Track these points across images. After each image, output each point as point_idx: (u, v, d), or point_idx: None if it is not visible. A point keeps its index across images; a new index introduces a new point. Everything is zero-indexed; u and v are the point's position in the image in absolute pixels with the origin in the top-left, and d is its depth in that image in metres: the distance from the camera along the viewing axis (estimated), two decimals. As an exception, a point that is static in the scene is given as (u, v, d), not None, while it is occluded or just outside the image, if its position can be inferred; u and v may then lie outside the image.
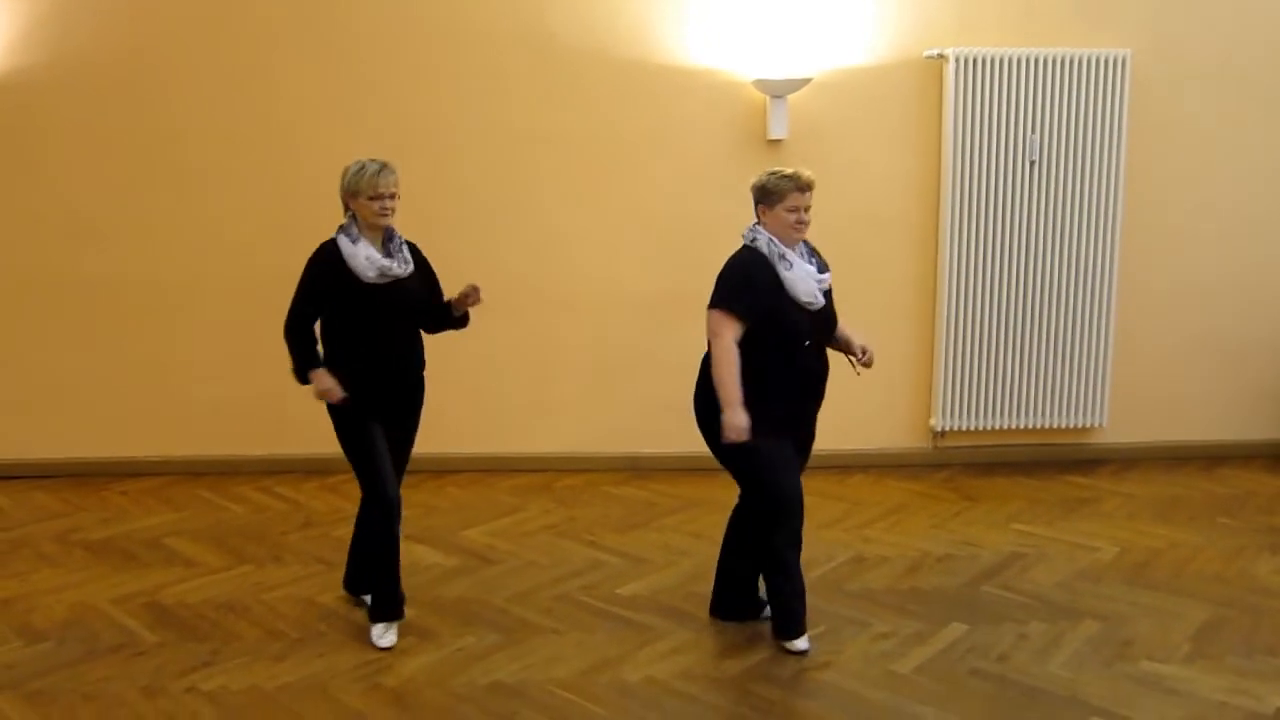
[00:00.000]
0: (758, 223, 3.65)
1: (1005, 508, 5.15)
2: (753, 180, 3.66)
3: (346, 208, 3.72)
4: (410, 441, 4.01)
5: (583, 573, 4.41)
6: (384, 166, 3.66)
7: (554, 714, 3.29)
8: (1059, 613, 3.97)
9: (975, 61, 5.34)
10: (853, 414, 5.80)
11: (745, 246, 3.65)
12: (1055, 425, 5.77)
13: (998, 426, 5.74)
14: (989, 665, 3.58)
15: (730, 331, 3.53)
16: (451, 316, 3.96)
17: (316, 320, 3.76)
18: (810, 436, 3.85)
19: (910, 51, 5.44)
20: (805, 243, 3.71)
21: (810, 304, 3.58)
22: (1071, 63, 5.37)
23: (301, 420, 5.70)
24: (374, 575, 3.85)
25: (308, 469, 5.71)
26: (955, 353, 5.64)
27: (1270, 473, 5.69)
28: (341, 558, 4.55)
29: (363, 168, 3.64)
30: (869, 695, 3.39)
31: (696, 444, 5.76)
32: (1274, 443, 5.96)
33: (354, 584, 4.09)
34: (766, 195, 3.61)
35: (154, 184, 5.48)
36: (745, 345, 3.55)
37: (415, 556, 4.57)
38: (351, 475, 5.59)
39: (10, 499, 5.34)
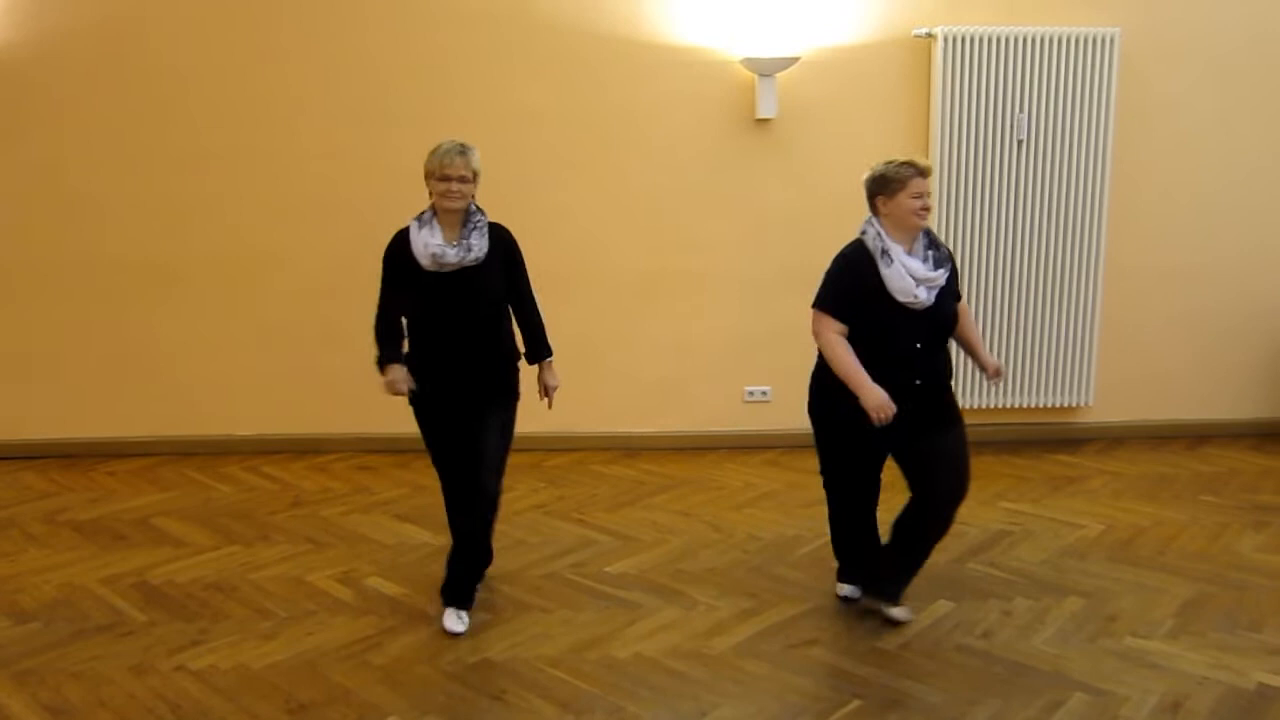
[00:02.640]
0: (873, 216, 3.55)
1: (992, 486, 5.18)
2: (866, 174, 3.55)
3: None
4: (502, 431, 3.84)
5: (572, 551, 4.43)
6: (457, 147, 3.55)
7: (542, 691, 3.30)
8: (1044, 589, 4.00)
9: (964, 40, 5.34)
10: (841, 393, 5.83)
11: (854, 241, 3.58)
12: (1042, 404, 5.79)
13: (985, 405, 5.76)
14: (974, 641, 3.61)
15: (829, 328, 3.52)
16: (528, 352, 3.91)
17: (398, 308, 3.69)
18: (939, 422, 3.62)
19: (899, 30, 5.43)
20: (928, 234, 3.57)
21: (910, 303, 3.44)
22: (1060, 41, 5.36)
23: (290, 400, 5.73)
24: (452, 560, 3.79)
25: (297, 449, 5.72)
26: (943, 332, 5.65)
27: (1254, 451, 5.73)
28: (330, 537, 4.57)
29: (437, 147, 3.55)
30: (856, 671, 3.42)
31: (685, 423, 5.83)
32: (1258, 421, 6.00)
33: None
34: (887, 184, 3.48)
35: (144, 163, 5.45)
36: (852, 340, 3.51)
37: (403, 535, 4.59)
38: (339, 457, 5.66)
39: (-3, 479, 5.34)
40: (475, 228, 3.63)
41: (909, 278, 3.43)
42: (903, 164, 3.49)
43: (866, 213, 3.59)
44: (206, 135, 5.44)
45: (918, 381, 3.52)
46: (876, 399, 3.42)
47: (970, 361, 5.62)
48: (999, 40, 5.35)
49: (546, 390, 3.90)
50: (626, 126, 5.51)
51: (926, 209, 3.49)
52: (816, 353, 3.65)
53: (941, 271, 3.50)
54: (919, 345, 3.50)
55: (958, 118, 5.42)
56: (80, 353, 5.63)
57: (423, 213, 3.64)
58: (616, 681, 3.37)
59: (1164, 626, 3.69)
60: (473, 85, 5.41)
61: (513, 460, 5.54)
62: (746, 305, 5.69)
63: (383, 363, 3.71)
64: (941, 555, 4.33)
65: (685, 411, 5.83)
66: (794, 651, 3.56)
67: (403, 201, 5.67)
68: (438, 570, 4.19)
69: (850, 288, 3.49)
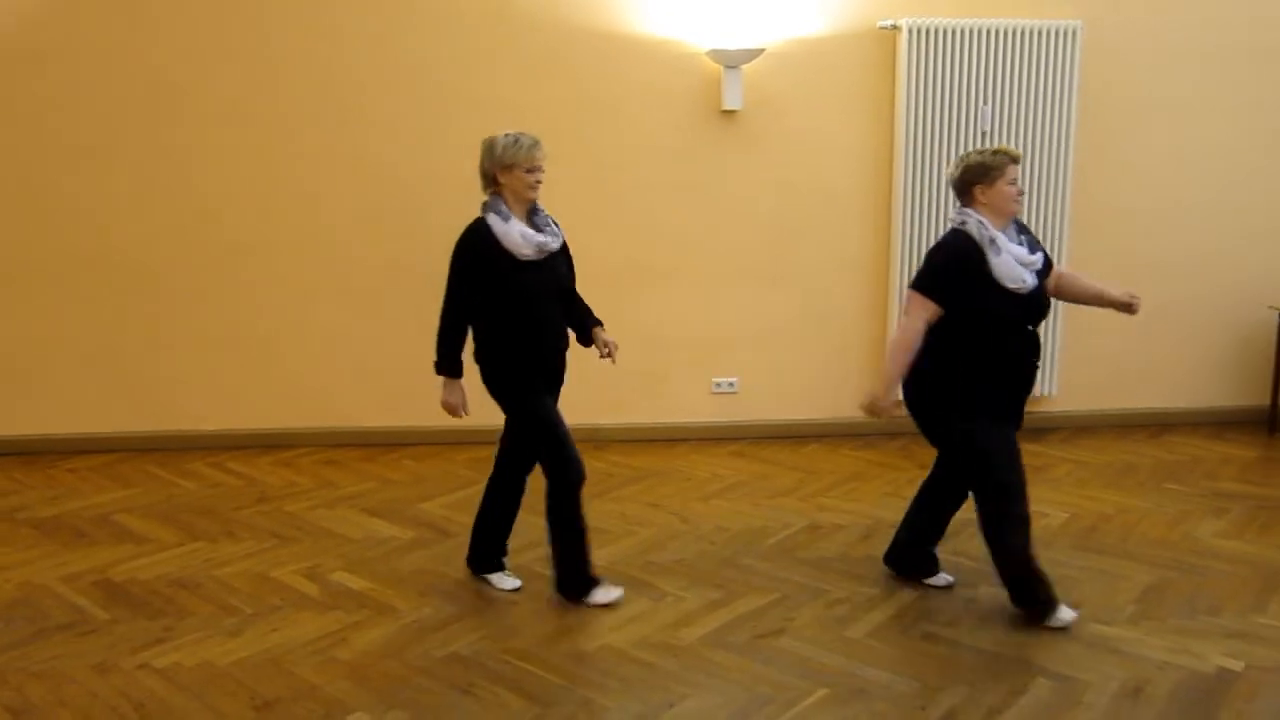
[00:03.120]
0: (966, 206, 3.56)
1: (957, 475, 5.21)
2: (958, 168, 3.56)
3: (492, 183, 3.62)
4: None
5: (539, 544, 4.40)
6: (536, 139, 3.61)
7: (511, 684, 3.30)
8: (1009, 577, 4.04)
9: (928, 32, 5.37)
10: (808, 383, 5.86)
11: (954, 230, 3.56)
12: (1007, 394, 5.84)
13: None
14: (940, 629, 3.64)
15: (923, 314, 3.51)
16: (580, 329, 3.96)
17: (468, 309, 3.66)
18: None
19: (864, 22, 5.45)
20: (1016, 221, 3.63)
21: (1019, 289, 3.49)
22: (1023, 34, 5.41)
23: (255, 395, 5.68)
24: (565, 547, 3.82)
25: (262, 444, 5.67)
26: (909, 323, 5.68)
27: (1215, 439, 5.81)
28: (296, 532, 4.53)
29: (516, 140, 3.57)
30: (823, 660, 3.43)
31: (653, 415, 5.83)
32: (1219, 410, 6.09)
33: (484, 560, 4.04)
34: (987, 172, 3.51)
35: (112, 159, 5.37)
36: (959, 331, 3.51)
37: (370, 529, 4.56)
38: (305, 451, 5.61)
39: (-45, 477, 5.25)
40: (543, 214, 3.73)
41: (1018, 265, 3.49)
42: (997, 152, 3.54)
43: (954, 205, 3.65)
44: (175, 131, 5.36)
45: (1035, 362, 3.62)
46: (887, 399, 3.58)
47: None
48: (963, 32, 5.38)
49: (611, 350, 3.98)
50: (592, 118, 5.49)
51: (1022, 194, 3.59)
52: (921, 360, 3.57)
53: (1039, 254, 3.59)
54: (1030, 328, 3.60)
55: (923, 109, 5.45)
56: (40, 348, 5.54)
57: (495, 205, 3.62)
58: (585, 673, 3.37)
59: (1126, 612, 3.74)
60: (442, 79, 5.38)
61: (481, 453, 5.56)
62: (713, 297, 5.70)
63: (450, 371, 3.71)
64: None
65: (653, 403, 5.83)
66: (761, 642, 3.57)
67: (374, 198, 5.66)
68: (405, 564, 4.18)
69: (958, 279, 3.50)
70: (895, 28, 5.39)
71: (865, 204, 5.66)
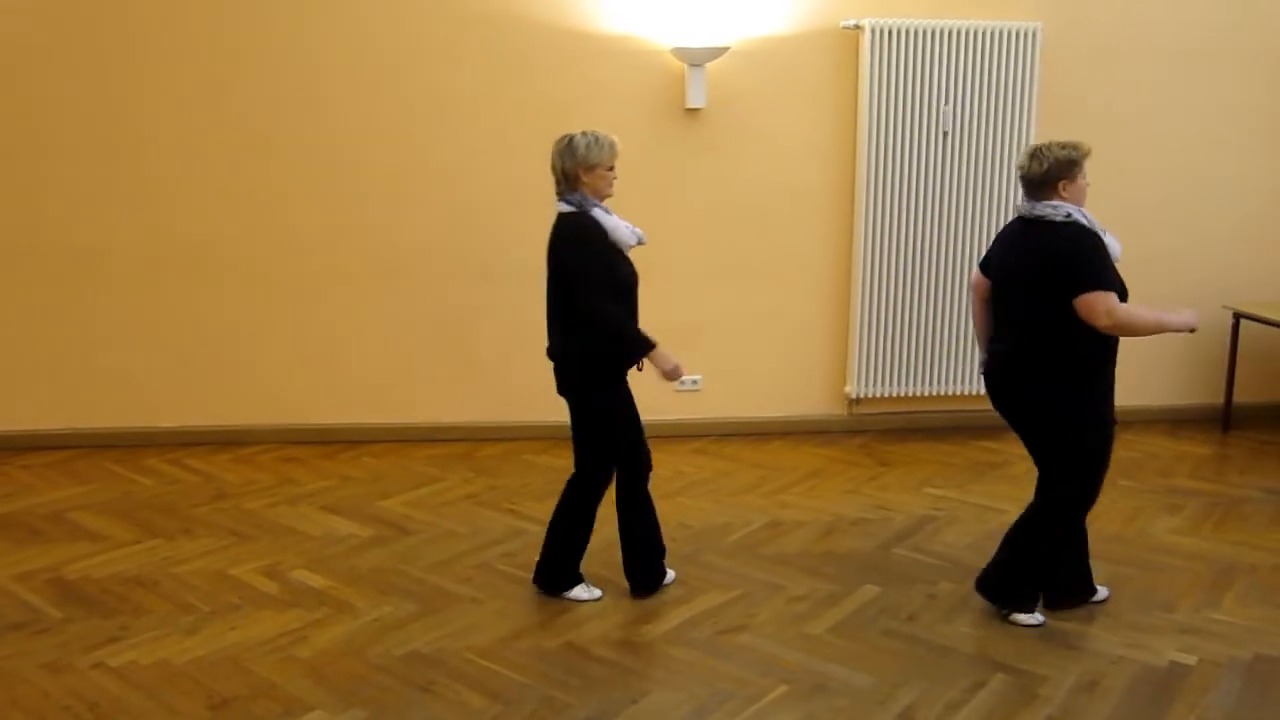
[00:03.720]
0: (1047, 198, 3.50)
1: (918, 472, 5.26)
2: (1043, 163, 3.48)
3: (573, 183, 3.63)
4: None
5: (502, 541, 4.41)
6: (614, 139, 3.65)
7: (472, 682, 3.29)
8: (968, 573, 4.06)
9: (890, 32, 5.40)
10: (770, 381, 5.88)
11: (1073, 224, 3.47)
12: (967, 392, 5.89)
13: (911, 393, 5.85)
14: (899, 625, 3.67)
15: (1116, 302, 3.40)
16: None
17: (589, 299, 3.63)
18: None
19: (827, 21, 5.47)
20: None
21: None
22: (984, 35, 5.45)
23: (213, 391, 5.61)
24: (640, 539, 3.88)
25: (220, 440, 5.60)
26: (870, 321, 5.72)
27: (1168, 437, 5.90)
28: (255, 530, 4.48)
29: (598, 140, 3.60)
30: (783, 656, 3.45)
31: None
32: (1173, 408, 6.18)
33: (568, 578, 3.91)
34: (1072, 167, 3.48)
35: (67, 147, 5.28)
36: (1063, 329, 3.44)
37: (330, 527, 4.53)
38: (264, 448, 5.55)
39: (-96, 474, 5.15)
40: None
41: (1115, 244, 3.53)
42: (1078, 147, 3.53)
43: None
44: (135, 121, 5.28)
45: None
46: (1188, 319, 3.55)
47: (908, 352, 5.76)
48: (925, 33, 5.42)
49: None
50: (555, 116, 5.43)
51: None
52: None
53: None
54: None
55: (885, 109, 5.49)
56: (-8, 343, 5.45)
57: (589, 201, 3.65)
58: (547, 670, 3.36)
59: (1081, 608, 3.79)
60: (402, 75, 5.34)
61: (443, 450, 5.56)
62: (677, 295, 5.70)
63: (650, 342, 3.70)
64: (868, 541, 4.40)
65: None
66: (722, 638, 3.58)
67: (332, 191, 5.60)
68: (365, 562, 4.15)
69: (1109, 264, 3.48)
70: (858, 28, 5.42)
71: (828, 202, 5.69)
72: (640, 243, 3.75)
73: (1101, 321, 3.39)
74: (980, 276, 3.83)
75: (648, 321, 5.69)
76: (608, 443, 3.84)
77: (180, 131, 5.32)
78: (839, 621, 3.69)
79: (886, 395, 5.86)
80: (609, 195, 3.72)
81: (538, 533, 4.46)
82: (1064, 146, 3.52)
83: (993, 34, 5.45)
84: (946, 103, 5.51)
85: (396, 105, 5.35)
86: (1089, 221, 3.51)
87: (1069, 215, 3.48)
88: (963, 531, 4.51)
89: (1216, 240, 6.01)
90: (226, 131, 5.34)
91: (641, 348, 3.69)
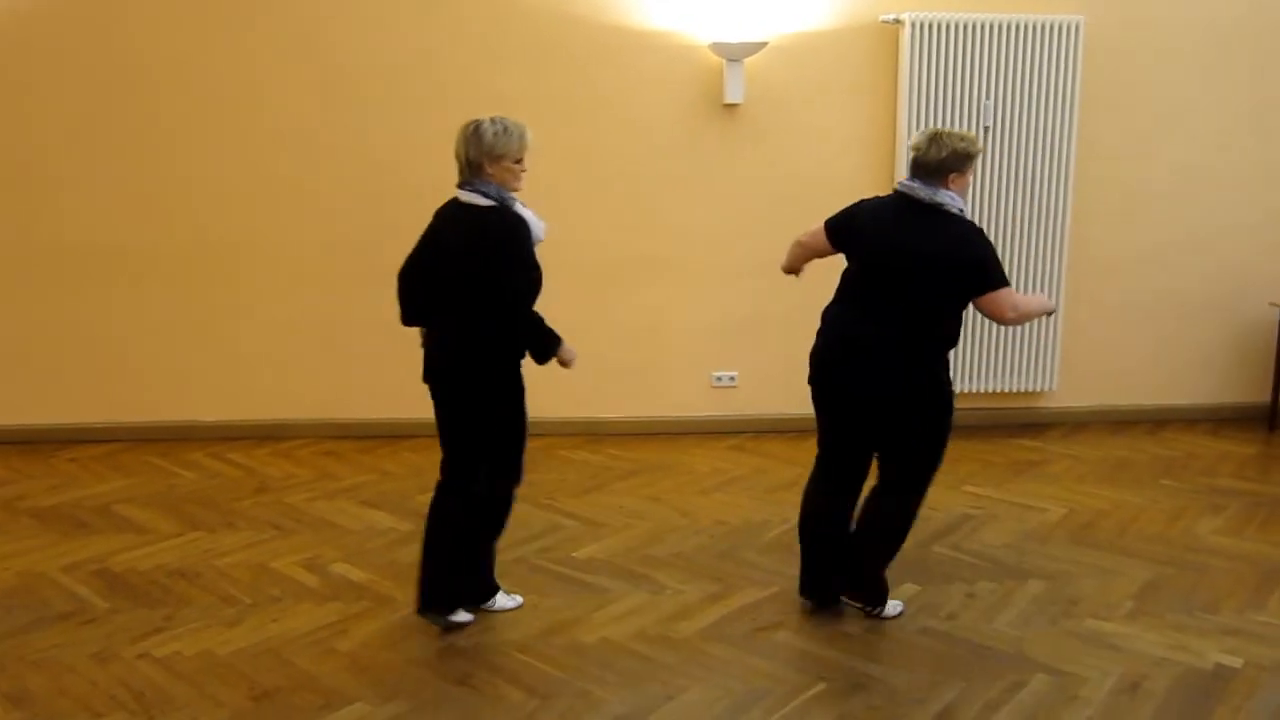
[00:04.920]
0: (940, 186, 3.42)
1: (957, 470, 5.22)
2: (942, 149, 3.39)
3: (477, 171, 3.38)
4: None
5: (539, 536, 4.42)
6: (525, 128, 3.40)
7: (509, 676, 3.30)
8: (1006, 572, 4.05)
9: (931, 26, 5.36)
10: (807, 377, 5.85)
11: (961, 218, 3.43)
12: (1006, 389, 5.85)
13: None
14: (938, 624, 3.65)
15: (1016, 294, 3.45)
16: None
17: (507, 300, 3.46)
18: None
19: (866, 16, 5.44)
20: None
21: None
22: (1026, 28, 5.40)
23: (254, 386, 5.68)
24: (468, 556, 3.62)
25: (261, 435, 5.67)
26: (909, 317, 5.68)
27: (1212, 436, 5.82)
28: (295, 523, 4.53)
29: (506, 130, 3.34)
30: (821, 654, 3.44)
31: (652, 408, 5.83)
32: (1216, 406, 6.09)
33: (459, 597, 3.65)
34: (966, 161, 3.42)
35: (105, 144, 5.36)
36: (953, 318, 3.46)
37: (369, 521, 4.57)
38: (303, 442, 5.61)
39: (-45, 466, 5.26)
40: None
41: None
42: (974, 141, 3.45)
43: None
44: (174, 120, 5.35)
45: None
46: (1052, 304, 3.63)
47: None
48: (966, 27, 5.37)
49: None
50: (593, 111, 5.48)
51: None
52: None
53: None
54: None
55: (925, 104, 5.45)
56: (41, 338, 5.54)
57: (511, 195, 3.42)
58: (583, 666, 3.37)
59: (1123, 608, 3.75)
60: (443, 71, 5.36)
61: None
62: (714, 290, 5.70)
63: (559, 345, 3.56)
64: (907, 539, 4.36)
65: (653, 397, 5.83)
66: (760, 635, 3.58)
67: (374, 189, 5.64)
68: (404, 556, 4.18)
69: None
70: (898, 22, 5.39)
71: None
72: (543, 237, 3.48)
73: (1008, 316, 3.42)
74: (823, 239, 3.73)
75: (687, 316, 5.73)
76: (487, 439, 3.61)
77: (221, 131, 5.38)
78: (877, 620, 3.68)
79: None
80: (516, 189, 3.43)
81: (574, 527, 4.50)
82: (962, 139, 3.42)
83: (1034, 28, 5.40)
84: (987, 98, 5.46)
85: (432, 100, 5.36)
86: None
87: (962, 210, 3.45)
88: (1001, 530, 4.47)
89: (1263, 236, 5.92)
90: (268, 130, 5.40)
91: (555, 344, 3.54)
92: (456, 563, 3.60)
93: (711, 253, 5.65)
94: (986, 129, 5.49)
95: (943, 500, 4.80)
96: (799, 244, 3.79)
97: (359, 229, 5.50)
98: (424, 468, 5.25)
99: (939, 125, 5.43)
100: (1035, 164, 5.56)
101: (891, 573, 4.01)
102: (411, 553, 4.22)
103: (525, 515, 4.64)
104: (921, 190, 3.43)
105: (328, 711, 3.11)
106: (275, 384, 5.68)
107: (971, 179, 3.51)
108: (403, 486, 4.99)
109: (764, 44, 5.30)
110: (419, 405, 5.67)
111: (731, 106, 5.48)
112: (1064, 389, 5.94)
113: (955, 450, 5.44)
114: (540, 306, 5.30)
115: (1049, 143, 5.54)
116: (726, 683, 3.27)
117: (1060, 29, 5.41)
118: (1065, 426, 5.97)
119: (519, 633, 3.58)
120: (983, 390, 5.84)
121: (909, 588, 3.92)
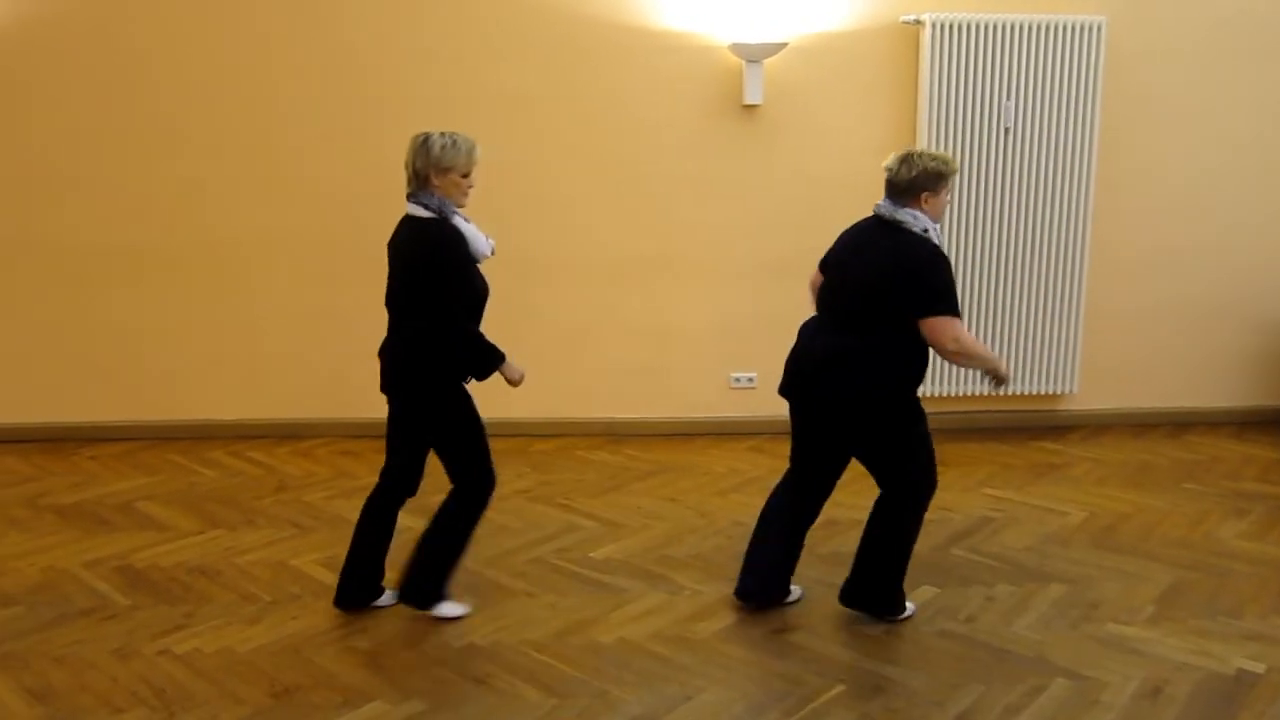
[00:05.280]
0: (908, 206, 3.42)
1: (977, 472, 5.20)
2: (912, 169, 3.39)
3: (424, 183, 3.40)
4: None
5: (556, 536, 4.43)
6: (474, 144, 3.43)
7: (527, 675, 3.31)
8: (1027, 575, 4.02)
9: (951, 27, 5.34)
10: (826, 380, 5.83)
11: (925, 241, 3.38)
12: (1027, 391, 5.82)
13: (970, 393, 5.78)
14: (957, 626, 3.63)
15: (964, 329, 3.39)
16: None
17: (433, 310, 3.45)
18: None
19: (886, 16, 5.42)
20: None
21: None
22: (1047, 29, 5.37)
23: (274, 385, 5.71)
24: (447, 557, 3.65)
25: (281, 433, 5.70)
26: (928, 319, 5.66)
27: (1235, 439, 5.77)
28: (314, 521, 4.55)
29: (455, 142, 3.37)
30: (838, 656, 3.43)
31: (670, 409, 5.83)
32: (1239, 410, 6.04)
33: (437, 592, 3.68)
34: (939, 180, 3.40)
35: (125, 143, 5.41)
36: (914, 335, 3.39)
37: (389, 520, 4.58)
38: (322, 441, 5.63)
39: (-21, 463, 5.31)
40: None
41: None
42: (949, 161, 3.44)
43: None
44: (200, 120, 5.39)
45: None
46: (1003, 365, 3.52)
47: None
48: (986, 27, 5.35)
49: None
50: (613, 111, 5.49)
51: None
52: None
53: None
54: None
55: (945, 105, 5.43)
56: (63, 337, 5.59)
57: (449, 206, 3.43)
58: (601, 666, 3.37)
59: (1145, 613, 3.72)
60: (458, 69, 5.38)
61: (497, 445, 5.54)
62: (733, 291, 5.69)
63: (500, 360, 3.55)
64: (926, 542, 4.35)
65: (670, 397, 5.83)
66: (777, 637, 3.57)
67: (387, 187, 5.64)
68: (422, 555, 4.19)
69: None
70: (919, 22, 5.37)
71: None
72: (492, 254, 3.49)
73: (949, 347, 3.35)
74: (819, 275, 3.74)
75: (706, 317, 5.72)
76: (425, 448, 3.73)
77: (244, 130, 5.41)
78: (896, 622, 3.66)
79: (944, 394, 5.80)
80: (462, 204, 3.45)
81: (592, 528, 4.50)
82: (934, 158, 3.41)
83: (1056, 28, 5.37)
84: (1008, 99, 5.43)
85: (450, 101, 5.38)
86: (939, 241, 3.42)
87: (925, 231, 3.40)
88: (1022, 533, 4.45)
89: (1287, 238, 5.88)
90: (282, 130, 5.42)
91: (495, 361, 3.53)
92: (440, 557, 3.66)
93: (730, 254, 5.65)
94: (1007, 130, 5.47)
95: (962, 503, 4.78)
96: (810, 284, 3.86)
97: (380, 228, 5.51)
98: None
99: (944, 134, 5.45)
100: (1056, 166, 5.53)
101: (909, 575, 3.99)
102: (430, 552, 4.24)
103: (543, 515, 4.65)
104: (885, 209, 3.47)
105: (347, 709, 3.12)
106: (295, 383, 5.71)
107: (948, 199, 3.50)
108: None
109: (784, 45, 5.29)
110: (438, 405, 5.73)
111: (751, 107, 5.47)
112: (1085, 391, 5.90)
113: (975, 452, 5.49)
114: (559, 306, 5.32)
115: (1070, 144, 5.51)
116: (744, 684, 3.27)
117: (1082, 30, 5.38)
118: (1086, 429, 5.93)
119: (537, 632, 3.59)
120: (1004, 392, 5.79)
121: (927, 590, 3.90)
